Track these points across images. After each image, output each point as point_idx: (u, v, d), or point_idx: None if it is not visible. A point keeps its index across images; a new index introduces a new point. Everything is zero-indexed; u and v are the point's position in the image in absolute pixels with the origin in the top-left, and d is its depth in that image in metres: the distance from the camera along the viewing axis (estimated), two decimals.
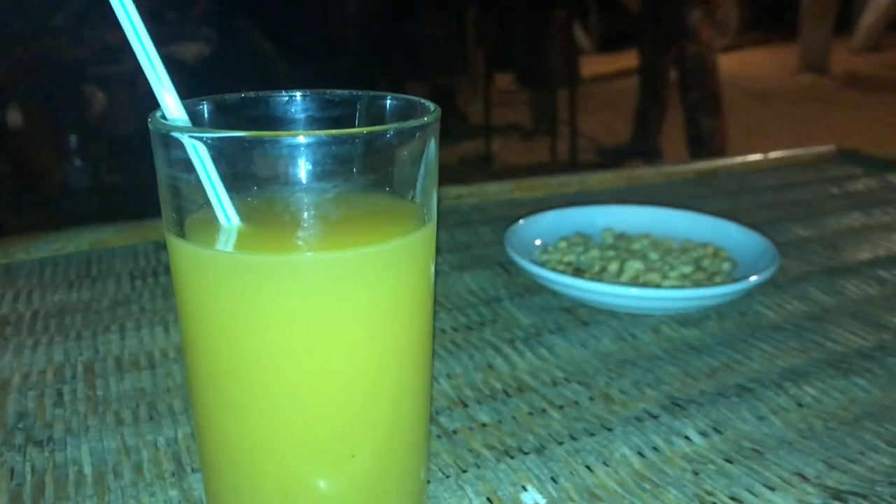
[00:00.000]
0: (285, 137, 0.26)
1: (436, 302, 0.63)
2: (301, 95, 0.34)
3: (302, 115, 0.33)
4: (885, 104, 4.94)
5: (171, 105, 0.28)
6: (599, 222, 0.73)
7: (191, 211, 0.30)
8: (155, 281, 0.67)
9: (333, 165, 0.27)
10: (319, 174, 0.28)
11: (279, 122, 0.33)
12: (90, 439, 0.45)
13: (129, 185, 3.17)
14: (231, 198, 0.29)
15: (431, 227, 0.31)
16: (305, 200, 0.29)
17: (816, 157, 1.07)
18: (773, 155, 1.06)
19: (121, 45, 3.15)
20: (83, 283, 0.67)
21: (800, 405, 0.49)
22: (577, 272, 0.64)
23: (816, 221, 0.82)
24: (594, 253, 0.66)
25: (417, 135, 0.28)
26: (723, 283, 0.62)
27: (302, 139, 0.26)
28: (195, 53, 3.74)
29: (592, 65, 5.79)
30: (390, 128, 0.27)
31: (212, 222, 0.30)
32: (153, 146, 0.28)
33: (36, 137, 3.08)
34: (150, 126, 0.28)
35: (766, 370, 0.53)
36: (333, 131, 0.26)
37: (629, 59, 3.98)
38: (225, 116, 0.32)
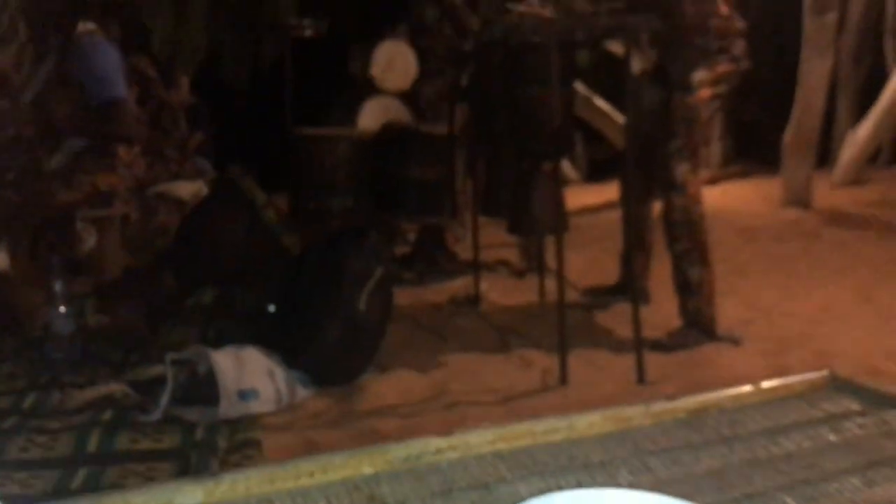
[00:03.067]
0: None
1: None
2: None
3: None
4: (867, 242, 5.01)
5: None
6: None
7: None
8: None
9: None
10: None
11: None
12: None
13: (113, 327, 3.14)
14: None
15: None
16: None
17: (809, 386, 1.04)
18: (765, 385, 1.03)
19: (111, 191, 3.19)
20: None
21: None
22: None
23: (813, 492, 0.79)
24: None
25: None
26: None
27: None
28: (192, 192, 3.80)
29: (579, 196, 5.89)
30: None
31: None
32: None
33: (22, 279, 3.06)
34: None
35: None
36: None
37: (615, 190, 4.01)
38: None
